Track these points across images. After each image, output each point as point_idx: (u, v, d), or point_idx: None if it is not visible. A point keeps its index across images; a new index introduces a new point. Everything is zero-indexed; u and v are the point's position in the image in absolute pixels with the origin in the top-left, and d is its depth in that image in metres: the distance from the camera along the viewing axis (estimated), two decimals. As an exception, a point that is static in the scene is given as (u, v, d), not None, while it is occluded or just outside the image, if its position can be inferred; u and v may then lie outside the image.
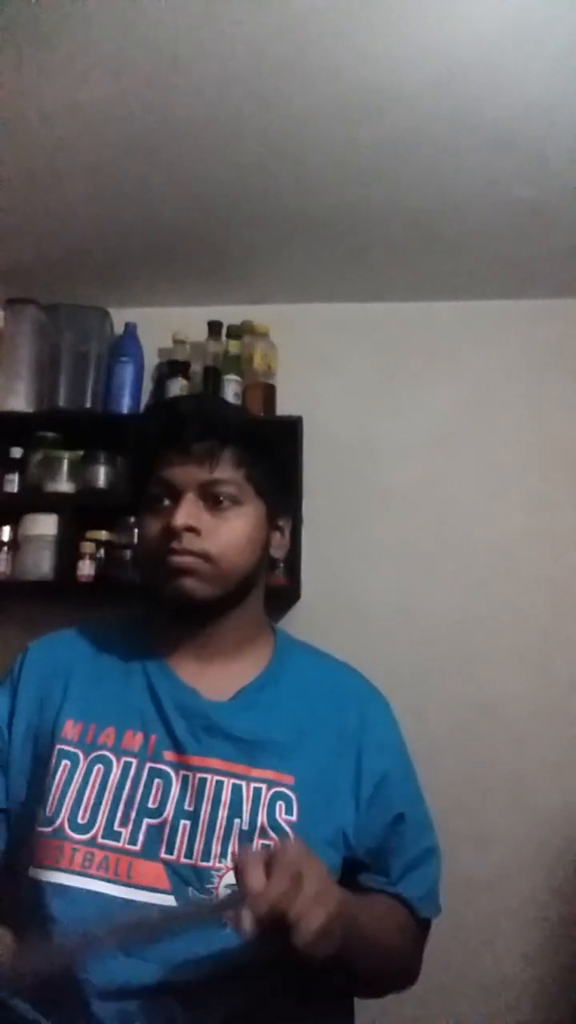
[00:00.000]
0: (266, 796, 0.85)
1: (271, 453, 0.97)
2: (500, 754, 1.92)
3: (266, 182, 1.70)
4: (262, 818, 0.84)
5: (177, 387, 2.06)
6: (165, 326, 2.12)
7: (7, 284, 2.09)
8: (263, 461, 0.93)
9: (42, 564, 1.93)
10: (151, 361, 2.18)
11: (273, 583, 1.93)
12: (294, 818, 0.85)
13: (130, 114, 1.52)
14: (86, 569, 1.92)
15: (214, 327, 2.10)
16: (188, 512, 0.87)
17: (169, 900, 0.79)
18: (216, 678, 0.93)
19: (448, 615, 2.00)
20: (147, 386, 2.18)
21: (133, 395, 2.09)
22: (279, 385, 2.09)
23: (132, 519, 1.99)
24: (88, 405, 2.06)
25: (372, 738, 0.97)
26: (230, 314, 2.13)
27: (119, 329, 2.16)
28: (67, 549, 1.94)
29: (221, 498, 0.89)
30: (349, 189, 1.72)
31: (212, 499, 0.89)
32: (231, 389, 2.04)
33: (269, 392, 2.07)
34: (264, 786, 0.86)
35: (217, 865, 0.81)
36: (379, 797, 0.93)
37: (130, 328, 2.14)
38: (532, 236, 1.86)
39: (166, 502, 0.90)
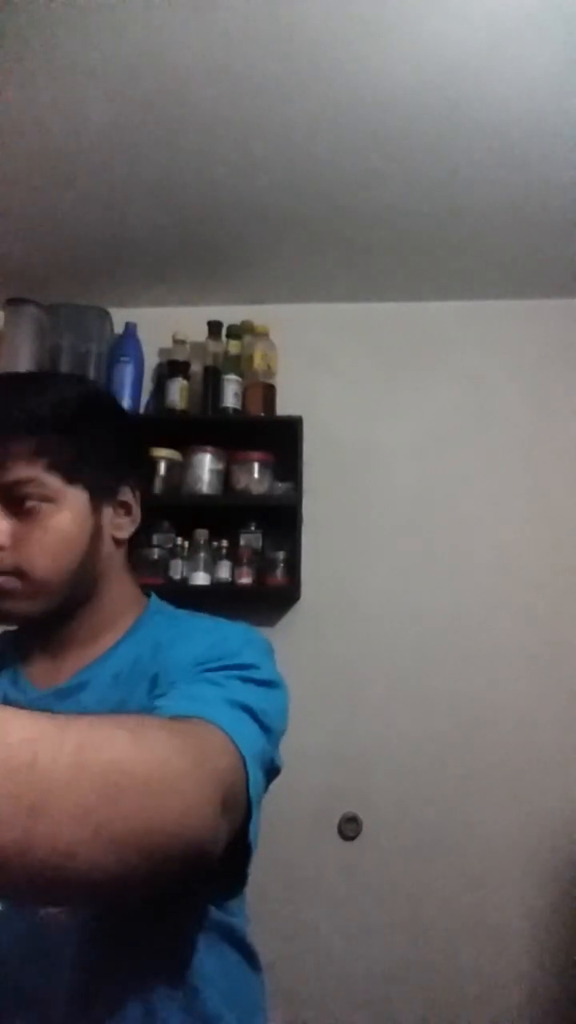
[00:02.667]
0: None
1: (80, 428, 0.81)
2: (500, 753, 1.92)
3: (266, 183, 1.70)
4: None
5: (177, 387, 2.06)
6: (165, 326, 2.13)
7: (7, 284, 2.09)
8: (69, 441, 0.79)
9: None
10: (151, 361, 2.18)
11: (273, 583, 1.95)
12: None
13: (129, 116, 1.52)
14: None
15: (214, 327, 2.10)
16: None
17: None
18: (64, 667, 0.84)
19: (447, 615, 2.00)
20: (147, 386, 2.19)
21: (133, 395, 2.10)
22: (279, 385, 2.09)
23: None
24: (88, 405, 2.06)
25: (166, 660, 0.78)
26: (230, 314, 2.13)
27: (119, 329, 2.16)
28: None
29: (26, 500, 0.77)
30: (349, 190, 1.72)
31: (16, 503, 0.77)
32: (231, 389, 2.04)
33: (269, 392, 2.07)
34: None
35: None
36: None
37: (130, 328, 2.14)
38: (532, 236, 1.87)
39: None
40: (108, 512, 0.84)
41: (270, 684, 0.78)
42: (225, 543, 1.97)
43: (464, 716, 1.94)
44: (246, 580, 1.93)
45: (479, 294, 2.14)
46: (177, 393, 2.05)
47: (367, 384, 2.16)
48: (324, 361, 2.17)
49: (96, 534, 0.82)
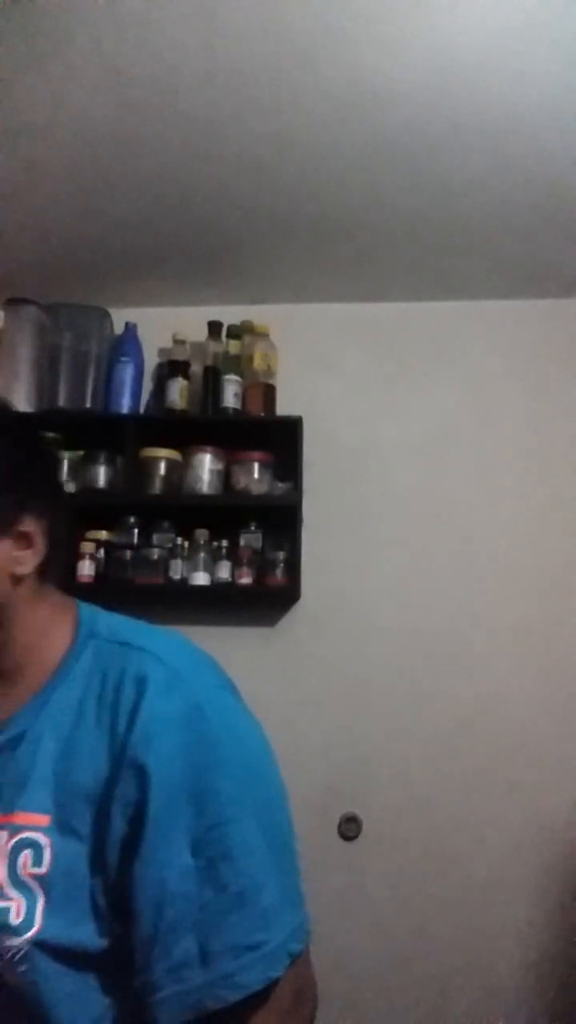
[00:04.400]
0: (6, 846, 0.70)
1: None
2: (500, 753, 1.92)
3: (266, 183, 1.70)
4: (1, 874, 0.69)
5: (177, 387, 2.06)
6: (165, 326, 2.13)
7: (7, 284, 2.09)
8: None
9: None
10: (151, 361, 2.18)
11: (273, 583, 1.95)
12: (43, 870, 0.69)
13: (130, 116, 1.52)
14: (86, 569, 1.92)
15: (214, 327, 2.10)
16: None
17: None
18: None
19: (447, 614, 2.00)
20: (147, 386, 2.19)
21: (133, 395, 2.09)
22: (279, 385, 2.09)
23: (132, 519, 2.00)
24: (88, 405, 2.06)
25: (132, 754, 0.69)
26: (230, 314, 2.13)
27: (119, 329, 2.16)
28: (67, 549, 1.94)
29: None
30: (349, 190, 1.72)
31: None
32: (231, 389, 2.04)
33: (269, 392, 2.07)
34: (6, 833, 0.70)
35: None
36: (133, 840, 0.68)
37: (130, 328, 2.14)
38: (532, 236, 1.87)
39: None
40: (5, 546, 0.73)
41: (252, 776, 0.72)
42: (225, 543, 1.97)
43: (464, 716, 1.94)
44: (246, 580, 1.93)
45: (479, 294, 2.14)
46: (177, 393, 2.05)
47: (367, 384, 2.16)
48: (324, 361, 2.17)
49: None
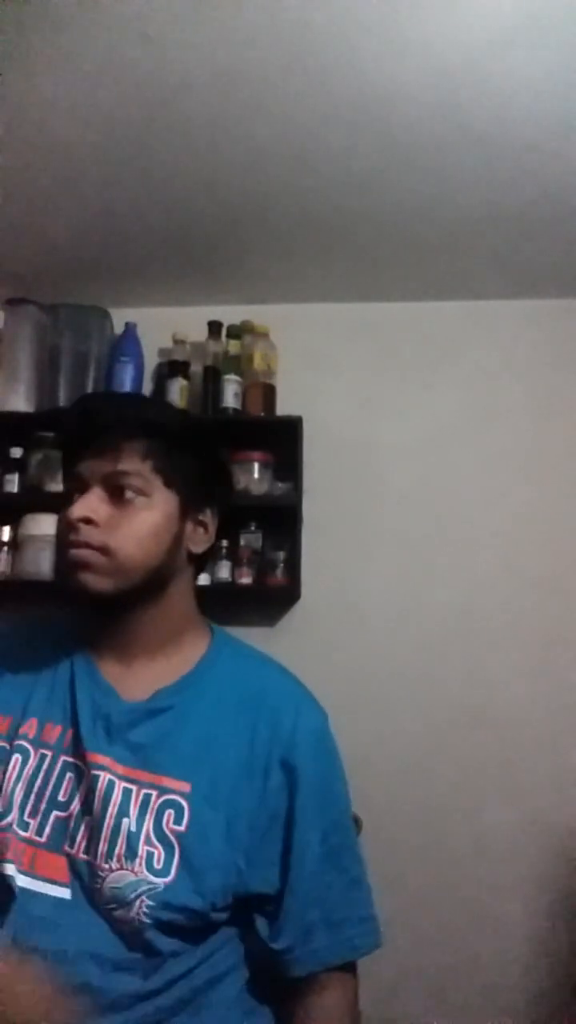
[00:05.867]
0: (155, 803, 0.83)
1: (188, 446, 0.93)
2: (500, 753, 1.92)
3: (266, 183, 1.70)
4: (148, 825, 0.82)
5: (177, 387, 2.06)
6: (165, 326, 2.13)
7: (7, 284, 2.09)
8: (176, 454, 0.90)
9: (42, 564, 1.93)
10: (151, 361, 2.19)
11: (273, 583, 1.95)
12: (183, 828, 0.82)
13: (130, 116, 1.52)
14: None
15: (214, 327, 2.10)
16: (86, 504, 0.86)
17: (64, 892, 0.80)
18: (138, 678, 0.90)
19: (448, 614, 2.01)
20: (147, 386, 2.19)
21: (133, 395, 2.10)
22: (279, 385, 2.09)
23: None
24: (88, 405, 2.06)
25: (281, 754, 0.88)
26: (230, 314, 2.13)
27: (119, 329, 2.16)
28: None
29: (126, 490, 0.86)
30: (349, 190, 1.72)
31: (117, 491, 0.87)
32: (231, 389, 2.04)
33: (269, 392, 2.07)
34: (155, 792, 0.83)
35: (103, 865, 0.80)
36: (276, 826, 0.86)
37: (130, 328, 2.14)
38: (532, 236, 1.87)
39: (76, 497, 0.88)
40: (190, 524, 0.93)
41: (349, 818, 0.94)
42: (225, 543, 1.97)
43: (464, 716, 1.95)
44: (246, 580, 1.93)
45: (480, 294, 2.15)
46: (177, 393, 2.05)
47: (367, 384, 2.16)
48: (324, 361, 2.17)
49: (177, 538, 0.91)
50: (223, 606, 2.04)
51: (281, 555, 1.96)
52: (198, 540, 0.94)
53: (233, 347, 2.09)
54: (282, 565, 1.96)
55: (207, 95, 1.46)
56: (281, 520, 1.97)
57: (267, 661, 1.01)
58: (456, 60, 1.37)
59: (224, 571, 1.94)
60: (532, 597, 2.00)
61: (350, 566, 2.06)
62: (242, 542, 1.97)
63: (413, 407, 2.13)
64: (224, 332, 2.10)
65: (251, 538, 1.98)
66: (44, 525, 1.95)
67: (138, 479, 0.87)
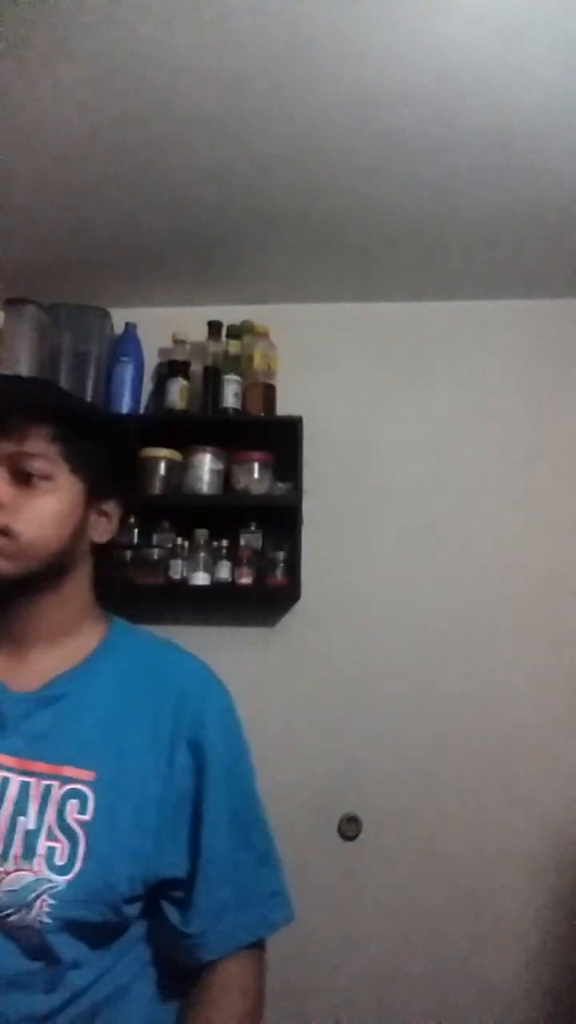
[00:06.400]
0: (57, 793, 0.81)
1: (97, 436, 0.93)
2: (500, 753, 1.92)
3: (267, 183, 1.70)
4: (49, 818, 0.80)
5: (177, 387, 2.06)
6: (165, 326, 2.13)
7: (7, 284, 2.09)
8: (84, 442, 0.90)
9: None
10: (151, 361, 2.18)
11: (273, 583, 1.95)
12: (87, 817, 0.80)
13: (130, 115, 1.52)
14: (86, 569, 1.92)
15: (214, 327, 2.10)
16: None
17: None
18: (31, 668, 0.89)
19: (447, 614, 2.00)
20: (147, 386, 2.19)
21: (133, 395, 2.09)
22: (279, 385, 2.09)
23: (132, 519, 1.99)
24: (88, 405, 2.06)
25: (187, 735, 0.88)
26: (230, 314, 2.13)
27: (119, 329, 2.16)
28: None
29: (31, 472, 0.86)
30: (349, 190, 1.72)
31: (22, 474, 0.86)
32: (231, 389, 2.04)
33: (269, 392, 2.07)
34: (56, 783, 0.82)
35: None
36: (184, 808, 0.86)
37: (130, 328, 2.14)
38: (532, 236, 1.87)
39: None
40: (94, 513, 0.93)
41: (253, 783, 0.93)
42: (225, 543, 1.97)
43: (464, 716, 1.94)
44: (246, 580, 1.93)
45: (479, 294, 2.15)
46: (177, 393, 2.05)
47: (367, 384, 2.16)
48: (324, 361, 2.17)
49: (80, 526, 0.90)
50: (223, 606, 2.06)
51: (281, 555, 1.96)
52: (101, 530, 0.94)
53: (233, 347, 2.09)
54: (282, 565, 1.95)
55: (208, 96, 1.46)
56: (281, 520, 1.97)
57: (168, 643, 0.98)
58: (456, 60, 1.37)
59: (224, 571, 1.94)
60: (532, 596, 2.00)
61: (350, 566, 2.05)
62: (242, 542, 1.97)
63: (413, 407, 2.13)
64: (224, 332, 2.10)
65: (251, 538, 1.98)
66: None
67: (43, 462, 0.86)
